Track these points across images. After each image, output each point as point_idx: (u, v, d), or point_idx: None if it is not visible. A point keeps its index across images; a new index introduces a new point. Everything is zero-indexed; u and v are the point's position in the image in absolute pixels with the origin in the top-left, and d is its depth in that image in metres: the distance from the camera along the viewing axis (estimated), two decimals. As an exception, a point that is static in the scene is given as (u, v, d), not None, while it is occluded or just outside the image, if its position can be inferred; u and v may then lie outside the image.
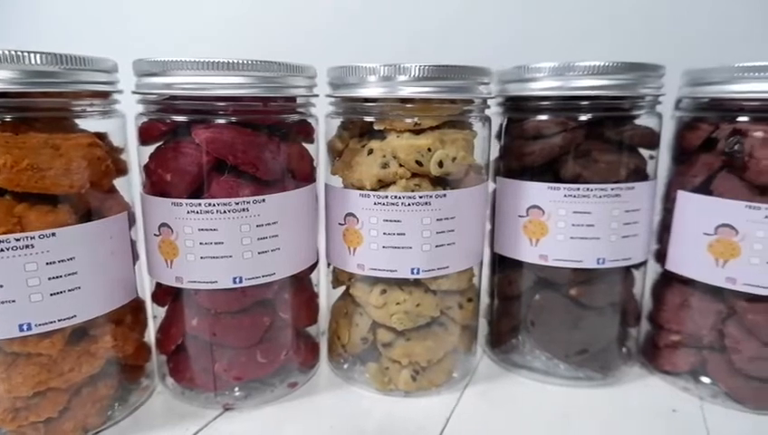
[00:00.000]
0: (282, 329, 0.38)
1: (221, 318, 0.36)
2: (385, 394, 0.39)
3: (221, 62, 0.32)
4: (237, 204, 0.33)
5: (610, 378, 0.41)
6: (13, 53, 0.28)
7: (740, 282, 0.35)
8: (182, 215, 0.33)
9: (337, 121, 0.39)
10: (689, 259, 0.38)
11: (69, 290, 0.31)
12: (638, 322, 0.43)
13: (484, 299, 0.45)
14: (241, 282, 0.35)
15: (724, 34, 0.59)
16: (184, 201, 0.33)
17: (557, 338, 0.40)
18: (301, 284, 0.40)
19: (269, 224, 0.35)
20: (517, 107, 0.40)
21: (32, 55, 0.28)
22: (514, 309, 0.42)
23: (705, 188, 0.37)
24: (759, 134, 0.34)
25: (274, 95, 0.34)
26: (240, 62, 0.32)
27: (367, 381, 0.40)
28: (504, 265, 0.43)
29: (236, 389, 0.38)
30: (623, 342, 0.42)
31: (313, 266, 0.41)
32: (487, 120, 0.40)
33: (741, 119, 0.36)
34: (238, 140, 0.33)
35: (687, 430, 0.35)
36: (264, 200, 0.34)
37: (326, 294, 0.43)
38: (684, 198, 0.38)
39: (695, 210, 0.37)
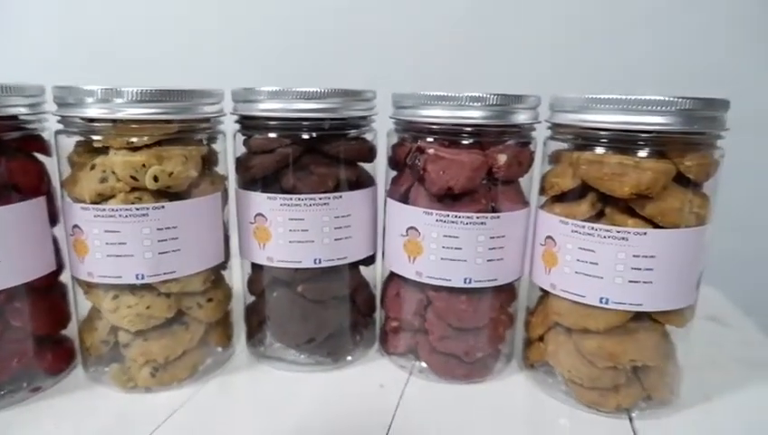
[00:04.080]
0: (14, 337, 0.40)
1: (-66, 331, 0.37)
2: (127, 392, 0.42)
3: None
4: (-62, 220, 0.35)
5: (342, 362, 0.47)
6: None
7: (424, 275, 0.42)
8: None
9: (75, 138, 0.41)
10: (394, 256, 0.44)
11: None
12: (373, 311, 0.50)
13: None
14: (-48, 295, 0.36)
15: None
16: None
17: (288, 330, 0.45)
18: (42, 292, 0.42)
19: (-20, 238, 0.36)
20: (248, 125, 0.44)
21: None
22: (259, 306, 0.47)
23: (407, 197, 0.44)
24: (431, 151, 0.41)
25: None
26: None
27: (109, 382, 0.42)
28: (251, 267, 0.47)
29: (-27, 397, 0.39)
30: (356, 329, 0.48)
31: (54, 274, 0.42)
32: (222, 135, 0.44)
33: (429, 139, 0.42)
34: (-69, 159, 0.34)
35: (383, 401, 0.42)
36: (-30, 216, 0.35)
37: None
38: (390, 205, 0.44)
39: (396, 215, 0.44)
